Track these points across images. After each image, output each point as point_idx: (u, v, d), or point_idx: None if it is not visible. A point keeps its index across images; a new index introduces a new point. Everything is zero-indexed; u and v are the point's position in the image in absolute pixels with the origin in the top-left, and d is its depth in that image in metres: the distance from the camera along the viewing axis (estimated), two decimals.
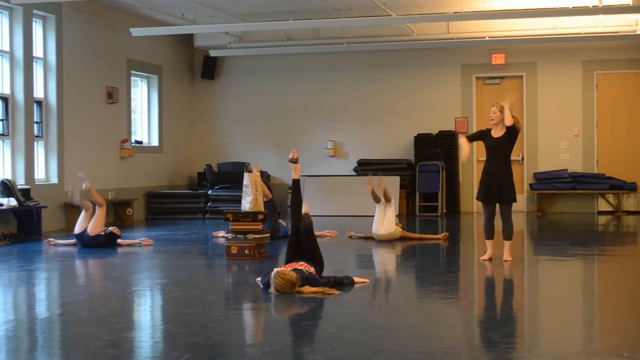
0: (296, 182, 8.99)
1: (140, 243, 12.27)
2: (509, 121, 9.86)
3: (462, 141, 10.13)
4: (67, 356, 5.58)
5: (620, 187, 17.50)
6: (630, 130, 17.88)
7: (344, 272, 8.84)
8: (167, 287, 8.47)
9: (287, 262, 8.25)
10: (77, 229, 11.97)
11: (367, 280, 8.40)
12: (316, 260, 8.25)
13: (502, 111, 9.96)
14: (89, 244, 11.84)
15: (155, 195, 17.75)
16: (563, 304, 7.45)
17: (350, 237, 12.98)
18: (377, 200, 12.68)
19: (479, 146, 17.37)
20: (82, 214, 12.08)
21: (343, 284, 8.05)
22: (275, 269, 7.71)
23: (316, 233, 8.89)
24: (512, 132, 9.95)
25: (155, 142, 18.37)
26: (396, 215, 12.75)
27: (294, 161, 9.08)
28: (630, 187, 17.54)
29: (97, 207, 12.01)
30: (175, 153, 19.03)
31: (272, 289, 7.60)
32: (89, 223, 11.92)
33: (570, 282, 8.96)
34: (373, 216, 12.84)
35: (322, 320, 6.79)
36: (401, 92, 18.86)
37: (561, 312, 7.00)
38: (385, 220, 12.52)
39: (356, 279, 8.29)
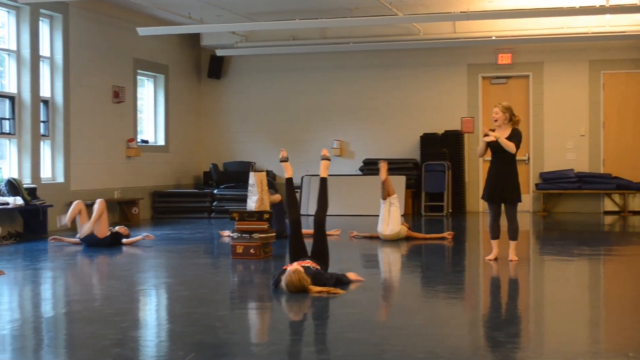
0: (289, 181, 9.05)
1: (143, 239, 12.30)
2: (512, 150, 9.80)
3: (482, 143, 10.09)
4: (72, 355, 5.59)
5: (626, 187, 17.46)
6: (637, 130, 17.84)
7: (351, 271, 8.85)
8: (173, 286, 8.48)
9: (292, 261, 8.25)
10: (82, 234, 11.98)
11: (364, 279, 8.38)
12: (322, 258, 8.26)
13: (505, 111, 9.97)
14: (96, 244, 11.87)
15: (161, 194, 17.76)
16: (569, 304, 7.45)
17: (353, 237, 12.98)
18: (384, 195, 12.68)
19: None
20: (78, 222, 12.08)
21: (342, 282, 8.06)
22: (296, 266, 7.71)
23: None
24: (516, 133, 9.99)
25: (161, 142, 18.39)
26: (401, 215, 12.74)
27: (285, 160, 9.17)
28: (637, 187, 17.50)
29: (94, 212, 11.99)
30: (181, 152, 19.05)
31: (282, 284, 7.60)
32: (91, 226, 11.90)
33: (576, 282, 8.95)
34: (378, 216, 12.84)
35: (328, 319, 6.80)
36: (407, 92, 18.85)
37: (567, 312, 6.99)
38: (391, 220, 12.52)
39: (351, 277, 8.28)
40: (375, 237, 12.80)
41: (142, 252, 11.45)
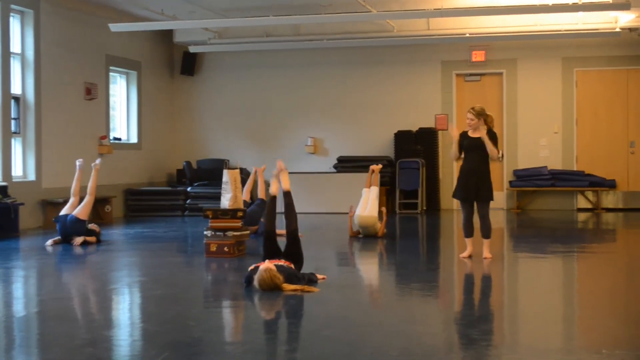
0: (286, 194, 8.79)
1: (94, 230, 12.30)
2: (494, 154, 9.95)
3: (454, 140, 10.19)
4: (44, 355, 5.55)
5: (599, 184, 17.59)
6: (610, 128, 17.97)
7: (323, 270, 8.85)
8: (146, 285, 8.45)
9: (266, 259, 8.22)
10: (62, 212, 12.13)
11: (324, 277, 8.35)
12: (296, 259, 8.25)
13: (479, 117, 10.04)
14: (69, 229, 11.81)
15: (134, 192, 17.69)
16: (542, 301, 7.49)
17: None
18: (368, 184, 12.96)
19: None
20: (70, 202, 12.20)
21: (313, 280, 8.07)
22: (268, 264, 7.69)
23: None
24: (491, 137, 10.06)
25: (134, 139, 18.31)
26: (379, 211, 12.77)
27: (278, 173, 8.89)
28: (610, 184, 17.63)
29: (87, 195, 12.11)
30: (154, 150, 18.97)
31: (255, 282, 7.59)
32: (74, 210, 11.99)
33: (550, 280, 9.00)
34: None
35: (303, 318, 6.80)
36: (381, 89, 18.88)
37: (540, 309, 7.04)
38: (370, 204, 12.65)
39: (318, 276, 8.29)
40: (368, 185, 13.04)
41: (115, 251, 11.40)
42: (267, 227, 8.40)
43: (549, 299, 7.68)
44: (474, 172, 9.98)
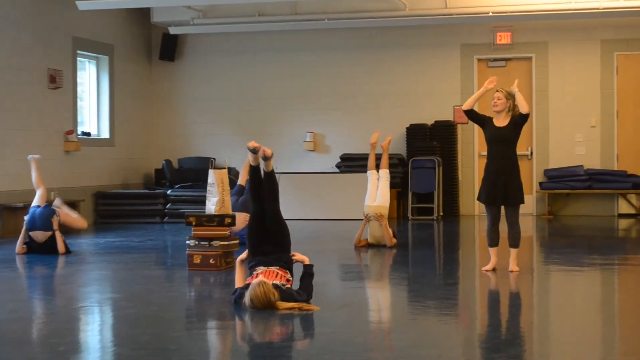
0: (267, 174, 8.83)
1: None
2: (525, 108, 9.84)
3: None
4: None
5: None
6: None
7: (327, 284, 8.83)
8: (119, 303, 8.43)
9: (252, 252, 8.15)
10: (33, 204, 12.54)
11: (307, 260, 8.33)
12: (282, 239, 8.24)
13: (508, 98, 9.95)
14: (38, 220, 12.07)
15: (105, 195, 17.67)
16: (578, 321, 7.48)
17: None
18: (372, 165, 13.00)
19: (481, 138, 17.40)
20: (38, 194, 12.57)
21: (309, 290, 8.03)
22: (262, 278, 7.67)
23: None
24: (520, 120, 9.94)
25: (105, 134, 18.29)
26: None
27: (255, 151, 8.88)
28: None
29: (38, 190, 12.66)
30: (129, 147, 18.95)
31: (246, 299, 7.56)
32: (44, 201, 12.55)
33: (587, 296, 8.99)
34: (360, 219, 12.92)
35: (300, 340, 6.78)
36: (391, 77, 18.86)
37: (576, 330, 7.02)
38: (379, 193, 12.72)
39: (298, 257, 8.26)
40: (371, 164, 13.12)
41: (84, 263, 11.39)
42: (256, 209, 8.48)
43: (585, 318, 7.67)
44: (502, 171, 9.92)
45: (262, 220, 8.33)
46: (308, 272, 8.13)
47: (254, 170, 8.67)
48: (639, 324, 7.34)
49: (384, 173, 12.92)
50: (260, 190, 8.56)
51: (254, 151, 8.51)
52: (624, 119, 18.04)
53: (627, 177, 17.70)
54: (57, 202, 12.94)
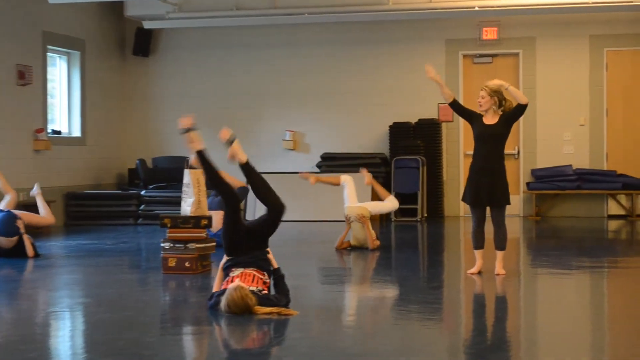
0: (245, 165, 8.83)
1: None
2: (524, 99, 9.83)
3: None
4: None
5: (634, 187, 17.61)
6: None
7: (307, 288, 8.83)
8: (91, 308, 8.41)
9: (230, 254, 8.12)
10: None
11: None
12: (268, 233, 8.26)
13: (492, 95, 9.93)
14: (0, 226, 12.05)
15: (76, 196, 17.62)
16: (566, 326, 7.50)
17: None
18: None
19: (467, 136, 17.46)
20: (6, 199, 12.60)
21: (285, 292, 8.01)
22: (238, 282, 7.66)
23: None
24: (517, 112, 9.94)
25: (76, 133, 18.24)
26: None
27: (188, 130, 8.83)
28: None
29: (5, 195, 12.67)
30: (102, 145, 18.90)
31: (222, 304, 7.55)
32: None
33: (575, 300, 9.02)
34: (342, 221, 12.96)
35: (279, 346, 6.78)
36: (374, 73, 18.87)
37: (564, 335, 7.04)
38: (375, 202, 12.89)
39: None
40: (335, 184, 13.05)
41: (54, 267, 11.35)
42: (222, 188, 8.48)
43: (573, 323, 7.69)
44: (487, 171, 9.92)
45: (238, 218, 8.30)
46: (279, 276, 8.12)
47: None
48: (629, 329, 7.36)
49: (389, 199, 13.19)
50: (225, 185, 8.56)
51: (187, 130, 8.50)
52: (613, 117, 18.10)
53: (616, 177, 17.76)
54: (35, 189, 13.09)
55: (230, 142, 8.47)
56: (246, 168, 8.65)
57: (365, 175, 13.42)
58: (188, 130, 8.52)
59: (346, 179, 13.04)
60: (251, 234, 8.20)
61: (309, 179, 13.16)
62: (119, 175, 19.49)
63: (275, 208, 8.38)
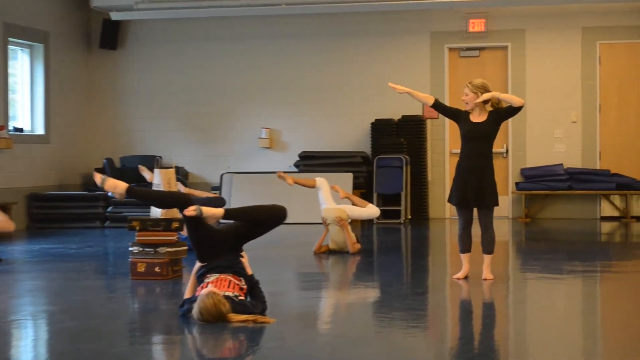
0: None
1: None
2: (519, 101, 9.83)
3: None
4: None
5: (628, 187, 17.68)
6: None
7: (284, 294, 8.82)
8: (55, 316, 8.38)
9: (201, 260, 8.09)
10: None
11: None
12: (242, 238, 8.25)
13: (475, 91, 9.93)
14: None
15: (40, 197, 17.56)
16: (557, 333, 7.51)
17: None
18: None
19: (453, 134, 17.49)
20: None
21: (260, 297, 8.00)
22: (211, 288, 7.64)
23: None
24: (504, 116, 9.97)
25: (40, 130, 18.18)
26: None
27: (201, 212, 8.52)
28: None
29: None
30: (66, 144, 18.84)
31: (195, 311, 7.52)
32: None
33: (567, 306, 9.04)
34: (320, 224, 12.94)
35: (255, 356, 6.77)
36: (354, 67, 18.88)
37: (555, 343, 7.05)
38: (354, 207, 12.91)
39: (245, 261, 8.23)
40: (310, 187, 13.08)
41: (15, 272, 11.31)
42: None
43: (565, 330, 7.71)
44: (475, 170, 9.93)
45: (200, 223, 8.21)
46: (253, 282, 8.09)
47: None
48: (623, 336, 7.38)
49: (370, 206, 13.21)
50: (171, 202, 8.57)
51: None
52: (607, 114, 18.17)
53: (610, 176, 17.81)
54: None
55: (201, 215, 8.17)
56: (230, 215, 8.42)
57: (339, 191, 13.42)
58: (103, 181, 8.28)
59: (321, 181, 13.05)
60: (221, 238, 8.17)
61: (286, 180, 13.16)
62: (85, 176, 19.41)
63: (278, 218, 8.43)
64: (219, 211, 8.19)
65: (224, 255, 8.07)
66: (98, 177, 8.32)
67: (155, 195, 8.83)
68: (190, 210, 8.05)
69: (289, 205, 17.38)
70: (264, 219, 8.42)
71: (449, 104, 17.85)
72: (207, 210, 8.13)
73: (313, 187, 13.09)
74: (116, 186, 8.31)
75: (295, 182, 13.14)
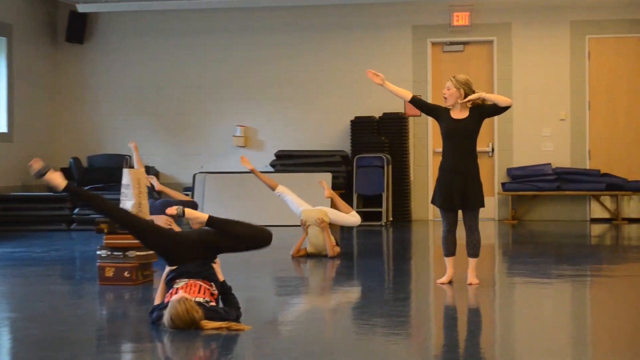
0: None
1: None
2: (506, 101, 9.82)
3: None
4: None
5: (619, 187, 17.75)
6: (632, 113, 18.14)
7: (259, 300, 8.81)
8: (19, 323, 8.35)
9: (170, 264, 8.07)
10: None
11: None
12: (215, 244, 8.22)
13: (459, 87, 9.92)
14: None
15: (2, 199, 17.52)
16: (545, 339, 7.54)
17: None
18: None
19: (436, 133, 17.50)
20: None
21: (240, 314, 7.99)
22: (183, 294, 7.62)
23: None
24: (488, 113, 9.97)
25: (2, 128, 18.12)
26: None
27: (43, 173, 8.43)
28: (633, 187, 17.79)
29: None
30: (30, 142, 18.78)
31: (166, 318, 7.50)
32: None
33: (555, 312, 9.06)
34: (298, 226, 12.95)
35: None
36: (333, 62, 18.88)
37: (542, 350, 7.07)
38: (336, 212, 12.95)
39: (217, 268, 8.21)
40: (270, 186, 13.19)
41: None
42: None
43: (553, 336, 7.73)
44: (459, 170, 9.92)
45: (157, 229, 8.23)
46: (226, 288, 8.08)
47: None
48: (613, 343, 7.41)
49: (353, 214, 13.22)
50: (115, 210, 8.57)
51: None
52: (596, 111, 18.22)
53: (600, 176, 17.88)
54: None
55: (182, 215, 8.23)
56: (213, 221, 8.40)
57: (326, 189, 13.46)
58: (42, 173, 8.24)
59: (283, 190, 13.01)
60: (189, 242, 8.15)
61: (247, 167, 13.24)
62: None
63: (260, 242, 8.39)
64: (204, 216, 8.22)
65: (194, 259, 8.04)
66: (37, 164, 8.20)
67: (96, 199, 8.67)
68: (172, 209, 8.11)
69: (265, 207, 17.52)
70: (244, 236, 8.32)
71: (432, 101, 18.00)
72: (191, 213, 8.17)
73: (273, 189, 13.07)
74: (54, 181, 8.29)
75: (255, 174, 13.19)
